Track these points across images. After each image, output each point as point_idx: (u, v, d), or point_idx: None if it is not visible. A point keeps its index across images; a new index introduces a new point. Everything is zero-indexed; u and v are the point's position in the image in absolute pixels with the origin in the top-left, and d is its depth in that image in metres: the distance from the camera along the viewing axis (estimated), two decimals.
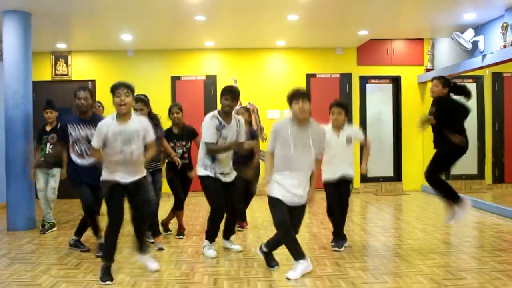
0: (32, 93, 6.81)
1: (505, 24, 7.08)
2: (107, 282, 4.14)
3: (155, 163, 5.53)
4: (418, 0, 6.76)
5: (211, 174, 5.01)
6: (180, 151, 5.92)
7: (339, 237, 5.29)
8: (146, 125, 4.49)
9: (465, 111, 5.56)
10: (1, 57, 6.77)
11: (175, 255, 4.61)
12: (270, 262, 4.59)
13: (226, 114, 5.01)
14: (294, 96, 4.39)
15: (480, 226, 6.36)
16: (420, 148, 9.72)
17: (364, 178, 9.46)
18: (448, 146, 5.48)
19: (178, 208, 6.00)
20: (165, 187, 5.83)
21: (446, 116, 5.47)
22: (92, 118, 5.20)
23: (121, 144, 4.27)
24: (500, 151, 8.40)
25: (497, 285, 3.98)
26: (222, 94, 5.06)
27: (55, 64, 9.59)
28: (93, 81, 9.49)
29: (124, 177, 4.33)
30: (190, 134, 5.96)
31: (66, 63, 9.59)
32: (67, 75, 9.57)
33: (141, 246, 4.56)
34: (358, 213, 7.26)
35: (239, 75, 8.91)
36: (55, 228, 6.37)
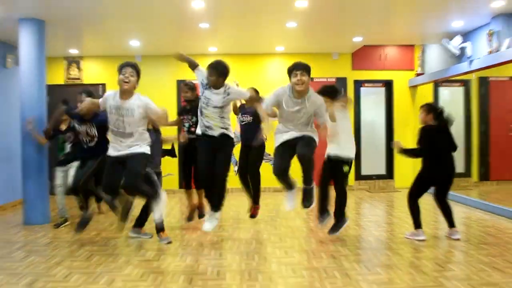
0: (46, 96, 6.83)
1: (491, 31, 7.10)
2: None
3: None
4: (409, 9, 6.78)
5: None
6: (187, 124, 6.04)
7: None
8: (146, 101, 4.58)
9: (452, 148, 5.47)
10: (18, 62, 6.79)
11: (172, 265, 4.52)
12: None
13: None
14: (294, 68, 4.42)
15: (467, 221, 6.38)
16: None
17: (358, 176, 9.49)
18: (425, 171, 5.47)
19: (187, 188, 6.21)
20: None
21: (431, 148, 5.42)
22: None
23: (115, 117, 4.35)
24: (486, 150, 8.40)
25: (482, 276, 4.01)
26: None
27: (68, 68, 9.60)
28: (104, 85, 9.51)
29: (117, 150, 4.43)
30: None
31: (78, 67, 9.61)
32: (79, 79, 9.59)
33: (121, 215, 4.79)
34: (353, 209, 7.27)
35: (241, 79, 8.88)
36: (68, 223, 6.40)
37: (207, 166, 5.08)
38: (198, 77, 5.11)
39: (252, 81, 9.40)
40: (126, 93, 4.43)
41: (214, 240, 5.47)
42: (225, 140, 5.11)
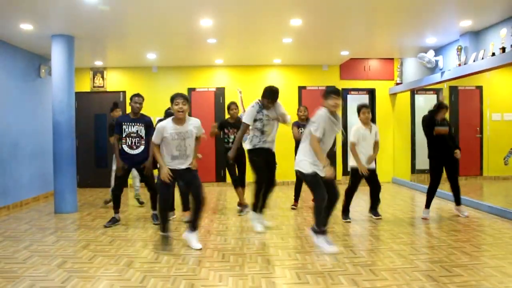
0: (74, 102, 6.81)
1: (459, 47, 7.09)
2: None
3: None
4: (389, 27, 6.77)
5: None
6: (232, 136, 6.19)
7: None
8: (197, 121, 4.59)
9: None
10: (50, 72, 6.78)
11: (183, 249, 4.50)
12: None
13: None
14: (330, 93, 4.34)
15: (439, 211, 6.35)
16: (391, 147, 9.73)
17: (345, 172, 9.47)
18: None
19: (236, 187, 6.31)
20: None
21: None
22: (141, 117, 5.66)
23: (177, 141, 4.36)
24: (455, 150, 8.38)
25: (453, 259, 3.99)
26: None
27: (93, 78, 9.58)
28: (124, 92, 9.48)
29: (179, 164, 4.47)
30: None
31: (102, 77, 9.59)
32: (103, 87, 9.57)
33: (192, 224, 4.57)
34: (341, 201, 7.27)
35: (243, 87, 8.88)
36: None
37: (265, 172, 5.17)
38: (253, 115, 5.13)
39: (253, 89, 9.40)
40: (181, 120, 4.41)
41: (219, 228, 5.45)
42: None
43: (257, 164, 5.14)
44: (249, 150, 5.21)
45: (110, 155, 7.88)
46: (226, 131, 6.29)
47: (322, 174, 4.30)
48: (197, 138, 4.59)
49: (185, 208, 5.80)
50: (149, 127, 5.57)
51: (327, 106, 4.31)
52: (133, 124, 5.54)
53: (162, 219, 4.56)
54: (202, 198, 4.46)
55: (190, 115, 5.98)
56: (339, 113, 4.52)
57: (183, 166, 4.44)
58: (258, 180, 5.15)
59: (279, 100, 5.18)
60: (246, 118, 5.09)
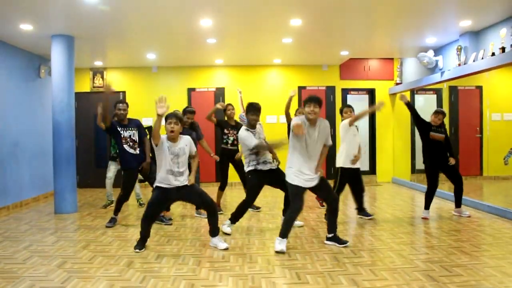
0: (74, 102, 6.81)
1: (459, 47, 7.09)
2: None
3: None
4: (389, 27, 6.77)
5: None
6: (231, 138, 6.23)
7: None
8: (189, 139, 4.57)
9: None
10: (50, 73, 6.78)
11: (183, 249, 4.49)
12: (340, 241, 4.53)
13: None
14: (307, 101, 4.35)
15: (439, 211, 6.35)
16: (391, 147, 9.74)
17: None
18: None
19: (221, 189, 6.36)
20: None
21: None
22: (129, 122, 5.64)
23: (170, 156, 4.35)
24: (456, 150, 8.38)
25: (453, 259, 3.99)
26: (248, 110, 5.06)
27: (93, 78, 9.58)
28: (124, 92, 9.49)
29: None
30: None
31: (102, 77, 9.58)
32: (102, 87, 9.56)
33: (212, 229, 4.56)
34: (341, 200, 7.27)
35: (243, 87, 8.87)
36: (113, 204, 6.49)
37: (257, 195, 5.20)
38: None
39: (253, 89, 9.43)
40: (174, 139, 4.41)
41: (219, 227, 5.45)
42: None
43: (254, 186, 5.12)
44: (249, 171, 5.14)
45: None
46: (226, 131, 6.27)
47: (308, 185, 4.35)
48: (193, 157, 4.61)
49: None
50: (140, 128, 5.63)
51: (305, 114, 4.36)
52: (125, 129, 5.51)
53: (143, 232, 4.52)
54: (211, 202, 4.50)
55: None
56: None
57: (178, 183, 4.39)
58: (248, 200, 5.13)
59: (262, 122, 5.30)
60: (250, 142, 4.92)
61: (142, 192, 7.33)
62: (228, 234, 5.05)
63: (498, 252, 4.20)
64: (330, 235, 4.59)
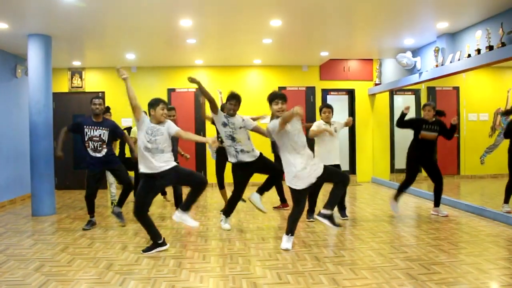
0: (52, 102, 6.70)
1: (436, 48, 7.21)
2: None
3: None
4: (368, 28, 6.84)
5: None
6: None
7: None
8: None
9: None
10: (27, 73, 6.66)
11: (171, 236, 4.47)
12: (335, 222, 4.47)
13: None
14: (273, 98, 4.37)
15: (417, 210, 6.44)
16: (370, 147, 9.85)
17: None
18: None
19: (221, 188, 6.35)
20: None
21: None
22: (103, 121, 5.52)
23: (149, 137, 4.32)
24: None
25: (431, 257, 4.05)
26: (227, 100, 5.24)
27: (71, 78, 9.44)
28: (103, 92, 9.37)
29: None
30: None
31: (81, 77, 9.45)
32: (81, 87, 9.44)
33: (187, 204, 4.47)
34: (321, 200, 7.30)
35: (223, 88, 8.81)
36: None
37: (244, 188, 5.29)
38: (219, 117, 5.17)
39: (233, 89, 9.35)
40: (162, 122, 4.38)
41: (200, 229, 5.43)
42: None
43: (238, 179, 5.19)
44: (232, 164, 5.23)
45: None
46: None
47: (312, 179, 4.35)
48: (178, 135, 4.47)
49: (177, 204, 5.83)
50: (114, 130, 5.53)
51: (272, 111, 4.39)
52: (95, 127, 5.41)
53: (144, 227, 4.47)
54: (202, 178, 4.45)
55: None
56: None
57: (157, 164, 4.25)
58: (236, 194, 5.20)
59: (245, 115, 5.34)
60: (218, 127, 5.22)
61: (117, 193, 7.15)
62: (229, 230, 5.23)
63: (475, 250, 4.28)
64: (326, 212, 4.43)
